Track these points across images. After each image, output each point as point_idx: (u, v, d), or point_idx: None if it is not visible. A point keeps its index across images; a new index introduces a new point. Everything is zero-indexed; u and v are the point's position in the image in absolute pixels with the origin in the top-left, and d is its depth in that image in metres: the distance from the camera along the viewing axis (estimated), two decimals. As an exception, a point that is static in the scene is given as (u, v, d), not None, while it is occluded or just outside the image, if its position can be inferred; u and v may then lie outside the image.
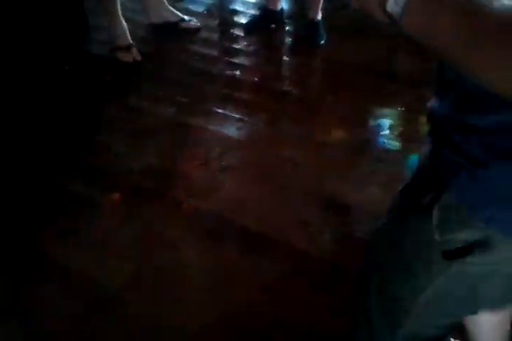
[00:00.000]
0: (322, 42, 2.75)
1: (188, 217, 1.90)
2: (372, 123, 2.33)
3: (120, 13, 2.58)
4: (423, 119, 0.81)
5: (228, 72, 2.62)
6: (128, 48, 2.58)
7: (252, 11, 3.01)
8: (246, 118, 2.37)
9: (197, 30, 2.85)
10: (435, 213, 0.73)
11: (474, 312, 0.93)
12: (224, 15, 3.09)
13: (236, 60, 2.71)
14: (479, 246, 0.70)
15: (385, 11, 0.56)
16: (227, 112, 2.39)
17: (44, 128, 2.27)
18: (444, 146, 0.72)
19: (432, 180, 0.74)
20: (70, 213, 1.92)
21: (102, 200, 1.98)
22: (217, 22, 3.04)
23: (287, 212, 1.90)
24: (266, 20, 2.89)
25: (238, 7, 3.13)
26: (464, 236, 0.71)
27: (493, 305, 0.89)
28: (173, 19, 2.81)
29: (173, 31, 2.79)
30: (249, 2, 3.16)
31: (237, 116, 2.38)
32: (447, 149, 0.71)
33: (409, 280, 0.83)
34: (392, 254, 0.85)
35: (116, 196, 2.00)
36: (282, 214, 1.90)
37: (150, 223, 1.89)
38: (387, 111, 2.37)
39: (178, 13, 2.83)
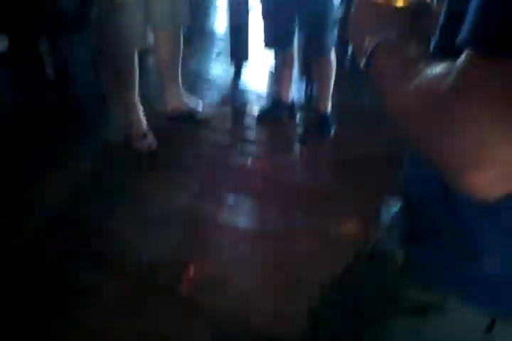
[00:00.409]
0: (332, 133, 2.82)
1: (194, 314, 1.82)
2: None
3: (138, 101, 2.65)
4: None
5: (240, 161, 2.65)
6: (143, 136, 2.63)
7: (264, 102, 3.12)
8: (257, 208, 2.35)
9: (210, 119, 2.92)
10: (395, 269, 0.75)
11: None
12: (236, 105, 3.19)
13: (248, 150, 2.75)
14: (432, 307, 0.70)
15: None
16: (238, 201, 2.38)
17: (54, 212, 2.25)
18: (406, 210, 0.76)
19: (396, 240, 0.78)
20: (73, 304, 1.84)
21: (107, 291, 1.91)
22: (229, 111, 3.14)
23: (301, 311, 1.81)
24: (277, 111, 2.98)
25: (250, 97, 3.25)
26: (419, 295, 0.72)
27: None
28: (187, 109, 2.88)
29: (187, 119, 2.86)
30: (260, 93, 3.27)
31: (248, 205, 2.37)
32: (409, 214, 0.76)
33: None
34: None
35: (122, 287, 1.93)
36: (295, 312, 1.81)
37: (155, 316, 1.80)
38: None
39: (193, 103, 2.91)
